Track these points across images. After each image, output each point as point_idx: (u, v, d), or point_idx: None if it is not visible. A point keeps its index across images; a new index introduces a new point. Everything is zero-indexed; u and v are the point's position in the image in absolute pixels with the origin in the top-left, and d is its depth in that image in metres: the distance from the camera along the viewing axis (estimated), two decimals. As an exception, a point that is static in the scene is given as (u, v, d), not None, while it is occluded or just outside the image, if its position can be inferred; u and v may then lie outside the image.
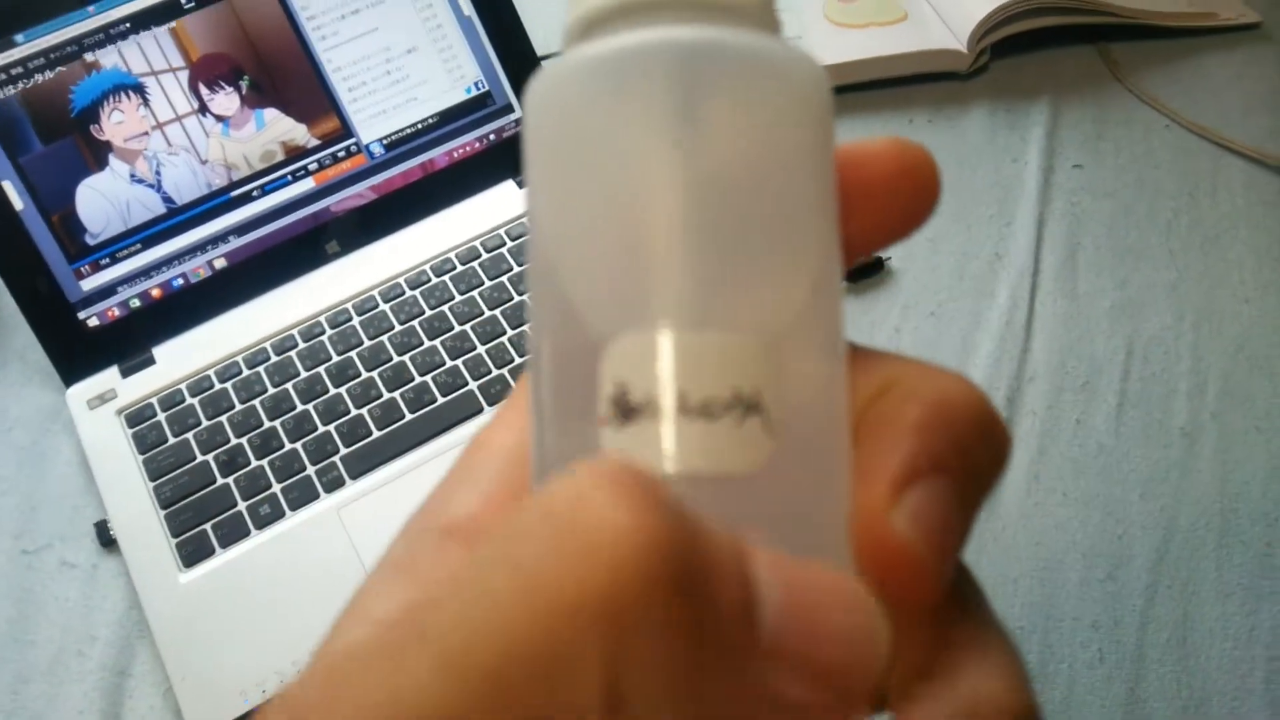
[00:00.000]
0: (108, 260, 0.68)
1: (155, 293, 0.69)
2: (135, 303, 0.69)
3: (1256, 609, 0.57)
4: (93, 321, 0.68)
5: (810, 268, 0.17)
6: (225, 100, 0.70)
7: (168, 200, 0.69)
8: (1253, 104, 0.84)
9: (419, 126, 0.73)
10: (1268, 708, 0.54)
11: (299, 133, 0.71)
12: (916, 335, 0.70)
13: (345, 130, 0.72)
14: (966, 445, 0.16)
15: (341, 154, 0.72)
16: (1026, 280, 0.72)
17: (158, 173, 0.68)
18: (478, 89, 0.75)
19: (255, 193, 0.70)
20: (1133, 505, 0.62)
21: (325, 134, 0.71)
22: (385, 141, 0.73)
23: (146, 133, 0.68)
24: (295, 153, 0.71)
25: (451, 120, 0.74)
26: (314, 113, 0.71)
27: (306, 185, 0.71)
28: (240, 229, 0.70)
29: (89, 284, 0.68)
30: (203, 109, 0.69)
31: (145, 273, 0.69)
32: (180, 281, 0.70)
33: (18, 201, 0.66)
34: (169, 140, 0.69)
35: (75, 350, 0.68)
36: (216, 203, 0.70)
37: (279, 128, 0.71)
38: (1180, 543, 0.60)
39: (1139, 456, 0.64)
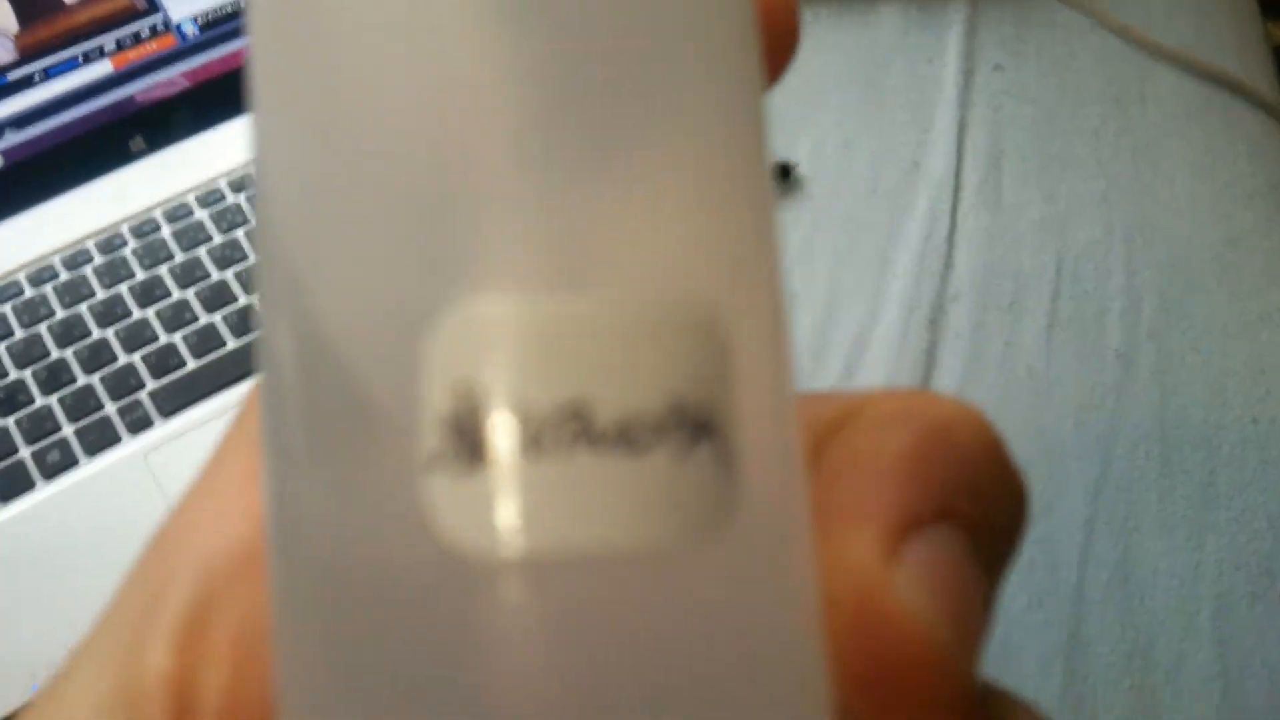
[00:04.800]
0: None
1: (-89, 197, 0.60)
2: (-115, 209, 0.59)
3: (1202, 543, 0.55)
4: None
5: (747, 169, 0.11)
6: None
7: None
8: (1179, 8, 0.82)
9: (242, 4, 0.65)
10: (1216, 646, 0.52)
11: (8, 22, 0.61)
12: (830, 249, 0.66)
13: (149, 3, 0.63)
14: (979, 486, 0.12)
15: (145, 33, 0.63)
16: (947, 191, 0.69)
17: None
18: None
19: (36, 77, 0.61)
20: (1066, 434, 0.59)
21: (122, 8, 0.63)
22: (200, 20, 0.64)
23: None
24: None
25: (283, -4, 0.66)
26: (110, -21, 0.62)
27: (103, 69, 0.62)
28: (20, 120, 0.61)
29: None
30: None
31: (-104, 172, 0.59)
32: (-57, 183, 0.60)
33: None
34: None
35: None
36: (-12, 87, 0.60)
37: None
38: (1119, 473, 0.57)
39: (1072, 381, 0.61)
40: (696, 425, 0.10)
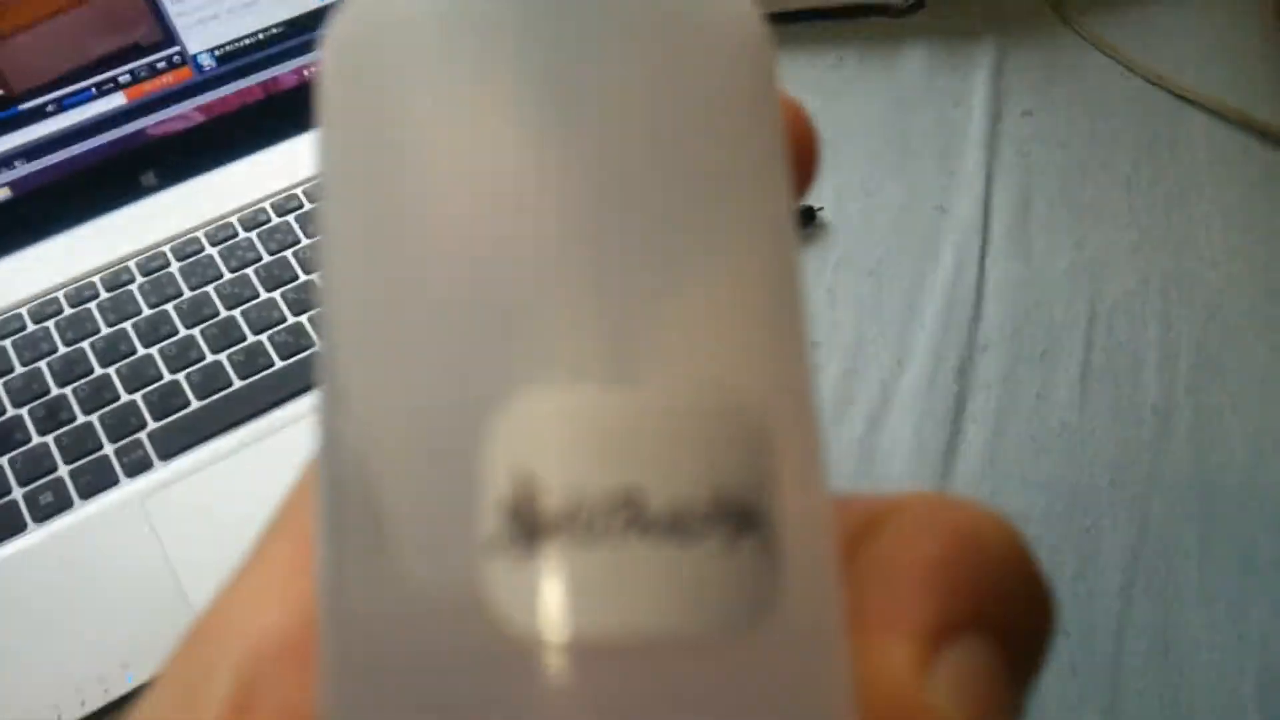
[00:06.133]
0: None
1: (-85, 228, 0.58)
2: (-112, 240, 0.58)
3: (1245, 613, 0.52)
4: None
5: (781, 285, 0.12)
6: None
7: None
8: (1209, 53, 0.80)
9: (261, 37, 0.64)
10: (1261, 726, 0.49)
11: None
12: (854, 297, 0.64)
13: (166, 35, 0.62)
14: (1009, 594, 0.12)
15: (161, 65, 0.62)
16: (975, 238, 0.67)
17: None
18: (334, -6, 0.66)
19: (50, 108, 0.60)
20: (1102, 492, 0.56)
21: (140, 40, 0.61)
22: (217, 53, 0.63)
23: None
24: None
25: (302, 31, 0.65)
26: (123, 11, 0.61)
27: (116, 101, 0.61)
28: (31, 152, 0.60)
29: None
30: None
31: (-98, 203, 0.58)
32: (-51, 215, 0.59)
33: None
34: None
35: None
36: (-2, 118, 0.59)
37: None
38: (1156, 537, 0.55)
39: (1107, 436, 0.58)
40: (742, 517, 0.10)
